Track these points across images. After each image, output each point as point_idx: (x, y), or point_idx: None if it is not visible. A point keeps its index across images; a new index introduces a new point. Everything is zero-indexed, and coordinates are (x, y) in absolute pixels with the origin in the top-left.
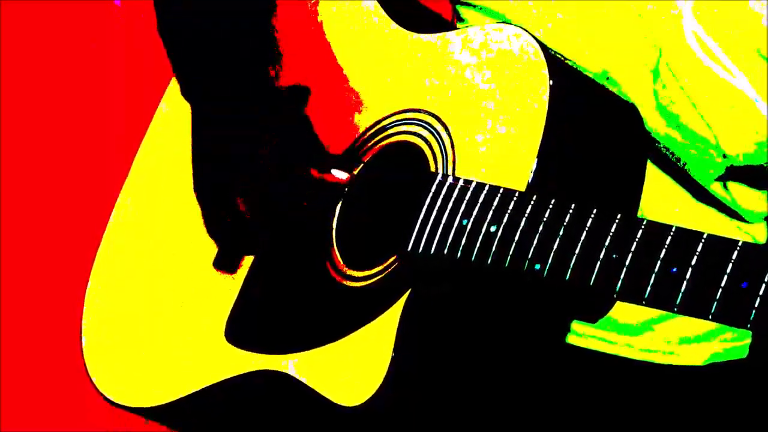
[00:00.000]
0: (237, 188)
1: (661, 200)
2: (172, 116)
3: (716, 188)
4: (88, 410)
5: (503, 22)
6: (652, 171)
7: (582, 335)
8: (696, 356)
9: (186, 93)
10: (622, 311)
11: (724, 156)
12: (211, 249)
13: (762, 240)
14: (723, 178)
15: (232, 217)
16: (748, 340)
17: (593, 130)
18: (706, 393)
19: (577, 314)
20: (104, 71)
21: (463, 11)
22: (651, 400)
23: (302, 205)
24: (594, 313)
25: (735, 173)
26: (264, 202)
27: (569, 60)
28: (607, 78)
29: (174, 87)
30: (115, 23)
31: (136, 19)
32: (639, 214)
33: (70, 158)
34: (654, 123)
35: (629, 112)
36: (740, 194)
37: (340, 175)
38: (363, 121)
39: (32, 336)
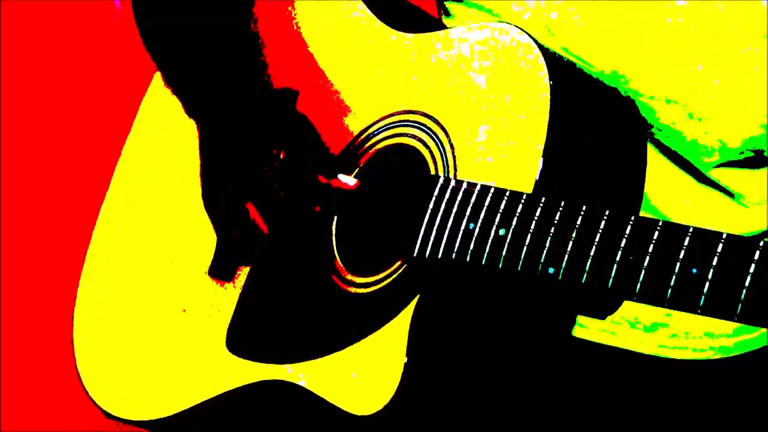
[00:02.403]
0: (248, 197)
1: (664, 184)
2: (155, 118)
3: (714, 174)
4: (89, 411)
5: (499, 21)
6: (653, 156)
7: (588, 328)
8: (707, 351)
9: (188, 110)
10: (633, 307)
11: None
12: (206, 256)
13: (763, 225)
14: (721, 166)
15: (245, 226)
16: (763, 330)
17: (593, 126)
18: (716, 386)
19: (586, 311)
20: (104, 71)
21: (450, 6)
22: (660, 394)
23: (314, 210)
24: (603, 309)
25: (734, 161)
26: (276, 209)
27: (565, 56)
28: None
29: (155, 86)
30: (115, 23)
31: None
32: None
33: (71, 159)
34: (662, 115)
35: (627, 104)
36: (737, 181)
37: (347, 180)
38: (353, 124)
39: (33, 337)
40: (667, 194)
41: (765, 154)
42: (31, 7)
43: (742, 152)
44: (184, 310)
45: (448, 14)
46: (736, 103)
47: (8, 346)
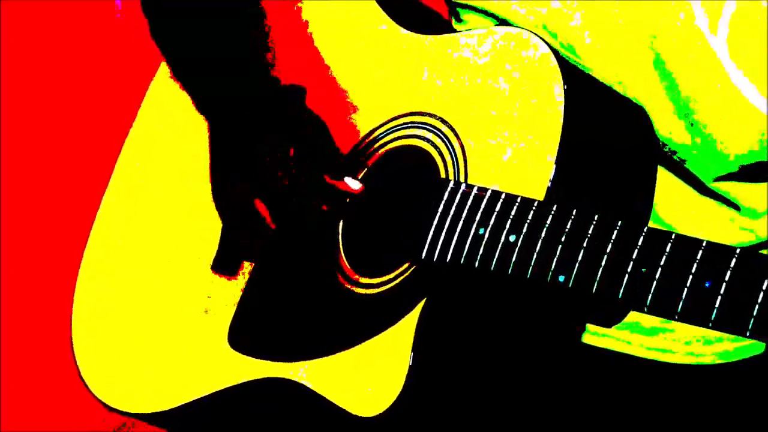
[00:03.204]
0: (256, 194)
1: (666, 196)
2: (156, 117)
3: (716, 186)
4: (89, 410)
5: (514, 27)
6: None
7: (597, 334)
8: (708, 356)
9: (199, 106)
10: (636, 312)
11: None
12: (208, 251)
13: (763, 236)
14: (722, 179)
15: (252, 222)
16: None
17: (606, 133)
18: (719, 392)
19: (593, 318)
20: (104, 71)
21: (462, 12)
22: (664, 399)
23: (320, 209)
24: (609, 318)
25: (734, 173)
26: (284, 206)
27: (577, 62)
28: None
29: (159, 81)
30: (115, 23)
31: (136, 19)
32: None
33: (71, 159)
34: (660, 128)
35: (639, 113)
36: (741, 193)
37: (353, 184)
38: (361, 123)
39: (33, 338)
40: (670, 205)
41: None
42: (31, 7)
43: (741, 166)
44: (206, 311)
45: (459, 20)
46: (736, 114)
47: (8, 345)
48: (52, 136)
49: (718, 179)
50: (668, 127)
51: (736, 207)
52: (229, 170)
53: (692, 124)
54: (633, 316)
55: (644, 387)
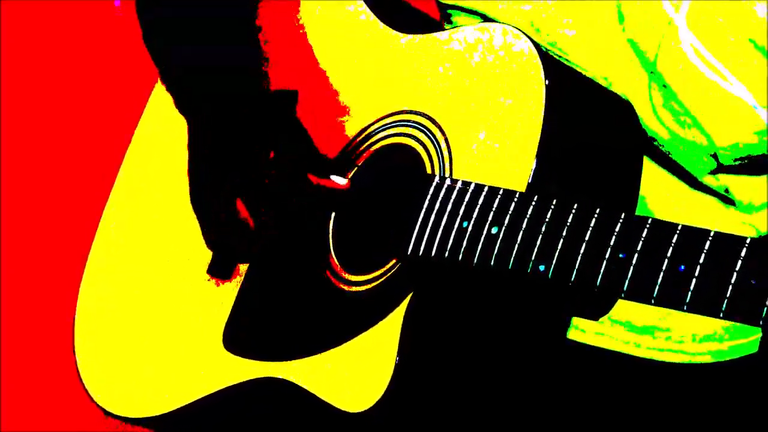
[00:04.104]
0: (238, 195)
1: (658, 192)
2: (159, 120)
3: (709, 180)
4: (89, 411)
5: (498, 23)
6: (646, 165)
7: (592, 333)
8: (702, 355)
9: (179, 105)
10: (629, 310)
11: (714, 155)
12: (204, 255)
13: (763, 230)
14: (715, 172)
15: (234, 223)
16: (757, 336)
17: (590, 127)
18: (713, 391)
19: (580, 312)
20: (103, 71)
21: (454, 15)
22: (658, 398)
23: (302, 209)
24: (596, 310)
25: (728, 167)
26: (265, 207)
27: (562, 57)
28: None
29: (160, 88)
30: (115, 23)
31: (136, 19)
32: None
33: (70, 160)
34: (649, 123)
35: (625, 107)
36: (736, 186)
37: (339, 180)
38: (352, 124)
39: (33, 336)
40: (662, 201)
41: None
42: (32, 7)
43: (737, 159)
44: (205, 313)
45: (450, 22)
46: (731, 107)
47: (8, 345)
48: (59, 140)
49: (712, 173)
50: (656, 122)
51: (731, 202)
52: (206, 173)
53: (681, 118)
54: (627, 315)
55: (638, 386)
